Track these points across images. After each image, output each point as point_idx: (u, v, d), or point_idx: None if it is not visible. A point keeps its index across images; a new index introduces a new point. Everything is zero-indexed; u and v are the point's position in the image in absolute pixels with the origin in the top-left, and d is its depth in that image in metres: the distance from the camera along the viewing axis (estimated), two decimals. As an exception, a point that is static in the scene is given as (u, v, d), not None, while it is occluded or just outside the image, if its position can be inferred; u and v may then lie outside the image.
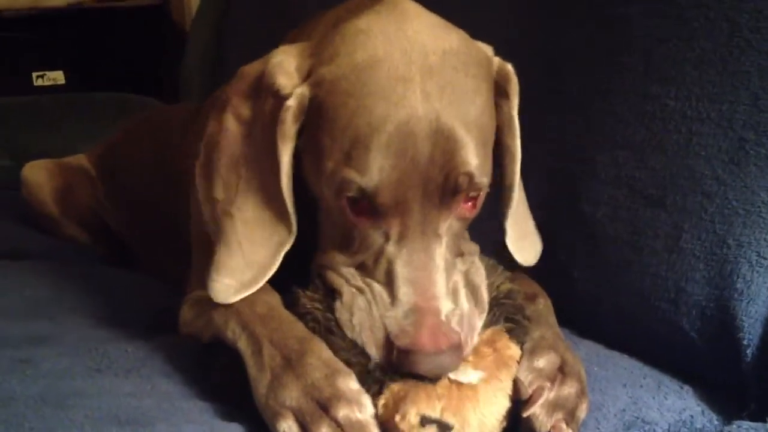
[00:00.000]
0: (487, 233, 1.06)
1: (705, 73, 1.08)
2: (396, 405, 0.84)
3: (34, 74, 3.67)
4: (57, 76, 3.69)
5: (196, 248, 1.21)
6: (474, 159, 0.89)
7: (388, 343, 0.86)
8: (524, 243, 1.12)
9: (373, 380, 0.86)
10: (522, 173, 1.06)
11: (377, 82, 0.88)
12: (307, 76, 0.94)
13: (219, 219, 1.00)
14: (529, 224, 1.15)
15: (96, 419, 0.89)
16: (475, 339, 0.91)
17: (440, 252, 0.91)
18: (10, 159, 2.60)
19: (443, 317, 0.87)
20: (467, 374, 0.86)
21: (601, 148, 1.20)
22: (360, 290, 0.91)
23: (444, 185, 0.89)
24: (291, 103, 0.93)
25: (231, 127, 1.01)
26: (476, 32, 1.02)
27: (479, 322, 0.92)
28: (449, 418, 0.83)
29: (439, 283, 0.89)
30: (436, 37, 0.92)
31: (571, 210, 1.24)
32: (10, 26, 3.63)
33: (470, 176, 0.90)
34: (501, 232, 1.09)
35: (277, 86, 0.95)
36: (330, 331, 0.91)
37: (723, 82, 1.06)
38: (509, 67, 1.03)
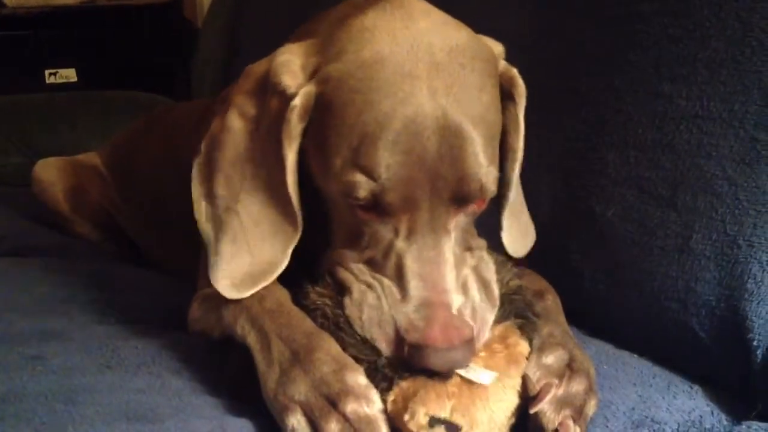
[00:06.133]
0: (489, 227, 1.06)
1: (716, 73, 1.07)
2: (405, 403, 0.84)
3: (47, 72, 3.69)
4: (69, 74, 3.71)
5: (204, 246, 1.21)
6: (482, 158, 0.89)
7: (399, 339, 0.86)
8: (517, 235, 1.13)
9: (382, 376, 0.86)
10: (531, 171, 1.06)
11: (384, 78, 0.88)
12: (313, 75, 0.95)
13: (221, 215, 1.01)
14: (524, 218, 1.16)
15: (106, 415, 0.89)
16: (487, 333, 0.91)
17: (449, 246, 0.91)
18: (22, 156, 2.62)
19: (454, 311, 0.87)
20: (479, 374, 0.85)
21: (612, 148, 1.20)
22: (369, 286, 0.91)
23: (455, 193, 0.90)
24: (296, 102, 0.94)
25: (235, 125, 1.01)
26: (491, 31, 1.02)
27: (491, 317, 0.92)
28: (458, 419, 0.83)
29: (449, 277, 0.89)
30: (442, 34, 0.92)
31: (581, 209, 1.24)
32: (23, 24, 3.65)
33: (481, 185, 0.90)
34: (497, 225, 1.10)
35: (282, 85, 0.95)
36: (338, 326, 0.91)
37: (734, 82, 1.05)
38: (514, 71, 1.03)
